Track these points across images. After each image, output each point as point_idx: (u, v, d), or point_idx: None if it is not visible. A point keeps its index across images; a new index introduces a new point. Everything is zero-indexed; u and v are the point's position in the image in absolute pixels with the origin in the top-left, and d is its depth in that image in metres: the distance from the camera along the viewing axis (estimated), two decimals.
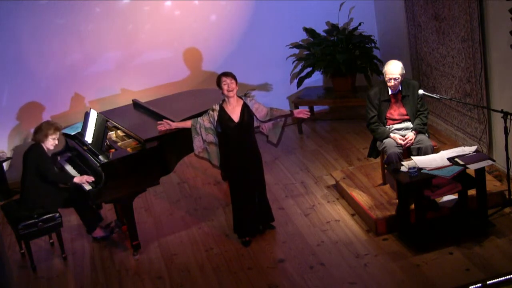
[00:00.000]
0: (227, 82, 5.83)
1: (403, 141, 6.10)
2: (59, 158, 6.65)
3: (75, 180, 6.10)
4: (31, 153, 6.12)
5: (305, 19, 8.62)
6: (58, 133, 6.20)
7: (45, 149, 6.16)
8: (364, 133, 8.02)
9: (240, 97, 5.98)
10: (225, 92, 5.86)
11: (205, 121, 5.98)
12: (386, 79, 6.10)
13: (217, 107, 5.94)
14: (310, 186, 7.10)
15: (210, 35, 8.42)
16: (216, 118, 5.92)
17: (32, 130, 6.33)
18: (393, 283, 5.32)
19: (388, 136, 6.15)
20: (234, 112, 5.90)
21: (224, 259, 5.98)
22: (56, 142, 6.22)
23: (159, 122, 6.16)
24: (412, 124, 6.19)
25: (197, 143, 6.04)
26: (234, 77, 5.86)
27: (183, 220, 6.77)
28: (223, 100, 5.95)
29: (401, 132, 6.19)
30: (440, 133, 7.69)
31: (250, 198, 6.08)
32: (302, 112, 6.15)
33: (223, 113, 5.91)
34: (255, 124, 6.06)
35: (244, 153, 5.98)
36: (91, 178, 6.06)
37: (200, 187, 7.45)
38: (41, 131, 6.12)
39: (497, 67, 6.43)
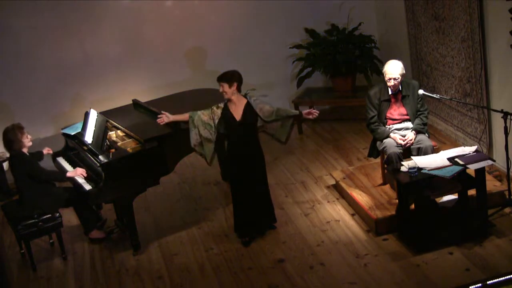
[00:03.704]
0: (220, 86, 5.89)
1: (403, 141, 6.10)
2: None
3: (69, 174, 6.11)
4: (17, 164, 6.08)
5: (305, 19, 8.62)
6: (24, 130, 6.15)
7: (26, 151, 6.13)
8: (364, 133, 8.02)
9: (245, 96, 5.98)
10: (223, 95, 5.91)
11: (204, 115, 5.98)
12: (386, 79, 6.10)
13: (222, 105, 5.97)
14: (310, 186, 7.10)
15: (210, 35, 8.42)
16: (219, 115, 5.94)
17: (26, 132, 6.23)
18: (393, 283, 5.32)
19: (388, 136, 6.15)
20: (237, 111, 5.91)
21: (224, 259, 5.98)
22: (30, 136, 6.20)
23: (158, 116, 6.16)
24: (412, 124, 6.19)
25: (194, 136, 6.03)
26: (225, 80, 5.84)
27: (183, 220, 6.77)
28: (228, 99, 5.97)
29: (401, 132, 6.19)
30: (440, 133, 7.69)
31: (251, 198, 6.07)
32: (311, 113, 6.13)
33: (226, 111, 5.93)
34: (260, 123, 6.05)
35: (246, 153, 5.98)
36: (83, 171, 6.08)
37: (200, 187, 7.46)
38: (13, 142, 6.05)
39: (497, 67, 6.43)
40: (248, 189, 6.06)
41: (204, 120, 5.97)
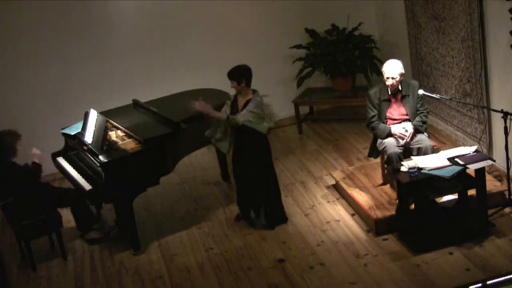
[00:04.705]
0: (231, 82, 6.04)
1: (405, 131, 6.06)
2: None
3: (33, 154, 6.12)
4: (12, 174, 6.01)
5: (305, 19, 8.62)
6: (20, 137, 6.07)
7: (14, 161, 6.05)
8: (364, 133, 8.02)
9: (254, 91, 6.06)
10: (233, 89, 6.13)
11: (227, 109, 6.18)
12: (385, 78, 6.10)
13: (232, 97, 6.14)
14: (310, 186, 7.10)
15: (210, 35, 8.42)
16: (229, 105, 6.12)
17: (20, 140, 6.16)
18: (393, 283, 5.32)
19: (389, 133, 6.13)
20: (241, 104, 6.05)
21: (224, 259, 5.98)
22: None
23: (194, 102, 6.11)
24: (417, 132, 6.16)
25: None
26: (233, 77, 6.00)
27: (183, 220, 6.77)
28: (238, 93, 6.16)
29: (401, 125, 6.17)
30: (440, 133, 7.69)
31: (244, 189, 6.32)
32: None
33: (234, 102, 6.11)
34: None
35: (240, 147, 6.11)
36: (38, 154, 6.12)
37: (200, 187, 7.45)
38: (6, 147, 5.97)
39: (497, 67, 6.43)
40: (241, 181, 6.26)
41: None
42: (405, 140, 6.10)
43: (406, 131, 6.09)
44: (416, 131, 6.15)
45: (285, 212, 6.43)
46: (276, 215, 6.34)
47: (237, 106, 6.06)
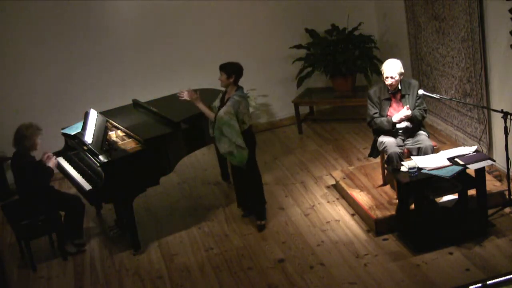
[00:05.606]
0: (220, 74, 6.12)
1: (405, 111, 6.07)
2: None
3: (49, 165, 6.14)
4: (26, 167, 5.99)
5: (305, 19, 8.62)
6: (41, 132, 6.06)
7: (33, 154, 6.03)
8: (364, 133, 8.02)
9: (237, 90, 6.08)
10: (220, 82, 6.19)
11: (215, 102, 6.24)
12: (384, 78, 6.10)
13: (224, 91, 6.22)
14: (310, 186, 7.10)
15: (210, 35, 8.42)
16: (220, 99, 6.21)
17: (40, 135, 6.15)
18: (393, 283, 5.32)
19: (394, 123, 6.10)
20: (225, 100, 6.10)
21: (224, 259, 5.98)
22: (40, 141, 6.10)
23: (181, 92, 6.25)
24: (412, 123, 6.16)
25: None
26: (226, 70, 6.09)
27: (183, 220, 6.77)
28: (225, 88, 6.20)
29: (401, 132, 6.18)
30: (440, 133, 7.69)
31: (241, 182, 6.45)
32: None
33: (222, 97, 6.20)
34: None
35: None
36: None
37: (200, 187, 7.46)
38: (27, 138, 5.95)
39: (497, 67, 6.43)
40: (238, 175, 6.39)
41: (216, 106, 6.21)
42: (401, 116, 6.07)
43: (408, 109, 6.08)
44: (411, 121, 6.12)
45: (265, 209, 6.49)
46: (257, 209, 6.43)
47: (223, 102, 6.11)
